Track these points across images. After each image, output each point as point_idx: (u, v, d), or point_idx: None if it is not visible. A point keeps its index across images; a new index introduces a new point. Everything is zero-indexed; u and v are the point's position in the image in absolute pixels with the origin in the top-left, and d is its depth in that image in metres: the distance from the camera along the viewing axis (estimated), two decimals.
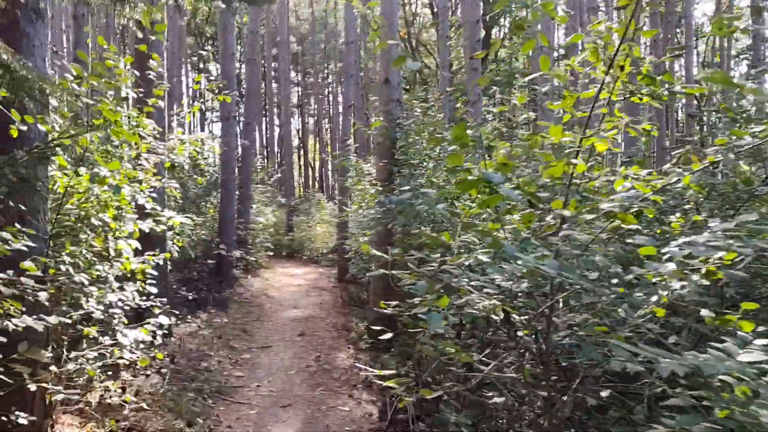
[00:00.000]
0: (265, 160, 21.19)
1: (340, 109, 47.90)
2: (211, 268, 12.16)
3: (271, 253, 17.29)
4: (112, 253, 5.42)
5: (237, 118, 12.38)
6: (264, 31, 33.87)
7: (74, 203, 4.98)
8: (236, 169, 13.35)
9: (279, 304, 12.39)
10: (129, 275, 5.62)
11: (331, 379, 7.45)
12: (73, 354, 4.83)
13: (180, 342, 8.15)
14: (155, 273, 5.70)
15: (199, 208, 12.56)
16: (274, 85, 39.19)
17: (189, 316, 9.48)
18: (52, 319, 3.84)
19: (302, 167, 45.32)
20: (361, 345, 8.82)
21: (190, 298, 9.42)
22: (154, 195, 6.51)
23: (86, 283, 4.57)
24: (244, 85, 15.60)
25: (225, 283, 12.34)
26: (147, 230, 6.32)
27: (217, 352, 8.18)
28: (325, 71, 43.45)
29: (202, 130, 31.81)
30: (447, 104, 12.67)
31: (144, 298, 5.69)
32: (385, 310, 3.87)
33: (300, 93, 45.96)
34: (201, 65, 40.18)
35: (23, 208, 4.28)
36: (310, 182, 41.89)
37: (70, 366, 4.64)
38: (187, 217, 7.69)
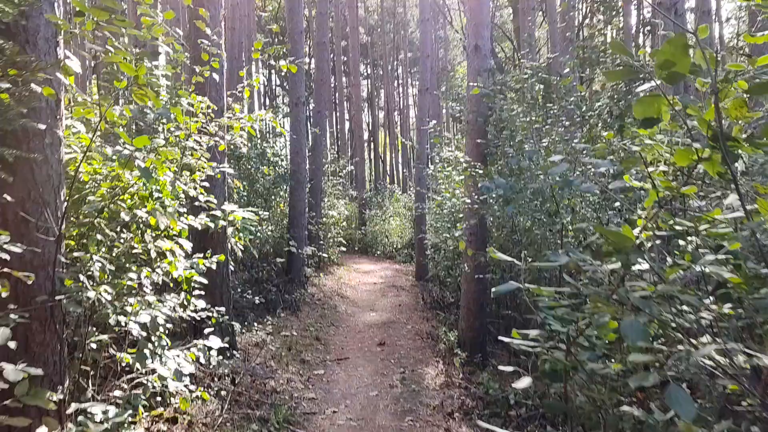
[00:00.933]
0: (336, 153, 20.06)
1: (410, 102, 46.66)
2: (280, 267, 11.07)
3: (344, 249, 16.14)
4: (153, 255, 4.25)
5: (306, 104, 11.17)
6: (332, 23, 32.92)
7: (103, 194, 3.83)
8: (306, 159, 12.21)
9: (354, 306, 11.15)
10: (174, 283, 4.46)
11: (421, 404, 6.08)
12: (97, 390, 3.68)
13: (244, 355, 6.99)
14: (204, 281, 4.50)
15: (267, 202, 11.50)
16: (343, 78, 38.30)
17: (255, 323, 8.36)
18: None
19: (372, 160, 44.26)
20: (452, 359, 7.42)
21: (257, 302, 8.29)
22: (205, 184, 5.34)
23: (108, 297, 3.40)
24: (313, 71, 14.44)
25: (296, 283, 11.22)
26: (199, 227, 5.17)
27: (287, 367, 6.97)
28: (395, 62, 42.16)
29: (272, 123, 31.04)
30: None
31: (194, 309, 4.52)
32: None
33: (369, 86, 44.85)
34: (272, 62, 39.78)
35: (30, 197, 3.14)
36: (381, 175, 40.69)
37: (96, 409, 3.47)
38: (251, 211, 6.51)
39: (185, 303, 4.20)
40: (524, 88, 5.86)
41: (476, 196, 6.94)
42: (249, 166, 10.36)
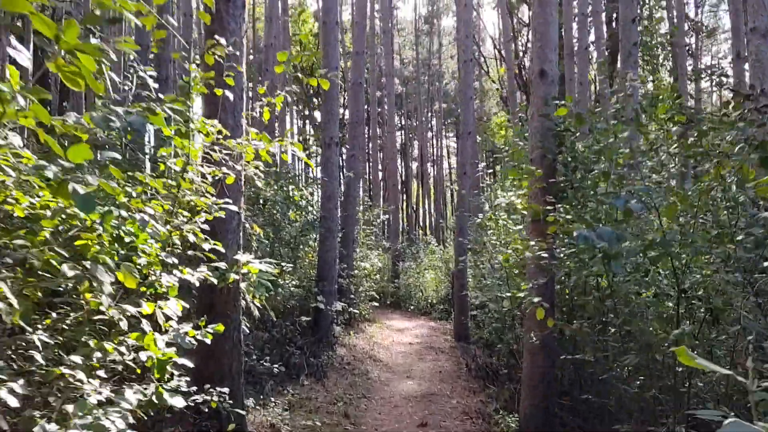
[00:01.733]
0: (370, 201, 18.96)
1: (444, 152, 45.73)
2: (306, 325, 9.70)
3: (376, 304, 14.71)
4: (123, 326, 2.95)
5: (339, 145, 10.01)
6: (368, 74, 32.45)
7: (32, 237, 2.58)
8: (338, 206, 10.99)
9: (388, 371, 9.65)
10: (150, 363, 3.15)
11: None
12: None
13: None
14: (190, 364, 3.17)
15: (294, 251, 10.26)
16: (377, 129, 37.65)
17: (274, 395, 6.95)
18: None
19: (405, 210, 43.08)
20: None
21: (275, 371, 6.89)
22: (207, 227, 4.08)
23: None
24: (347, 115, 13.40)
25: (323, 343, 9.81)
26: (197, 282, 3.89)
27: None
28: (429, 113, 41.48)
29: (307, 167, 30.13)
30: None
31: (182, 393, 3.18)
32: None
33: (403, 136, 44.13)
34: (306, 112, 39.49)
35: None
36: (414, 226, 39.38)
37: None
38: (270, 263, 5.23)
39: (155, 398, 2.84)
40: (622, 111, 4.53)
41: (544, 250, 5.53)
42: (275, 211, 9.17)
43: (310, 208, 10.48)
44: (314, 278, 10.32)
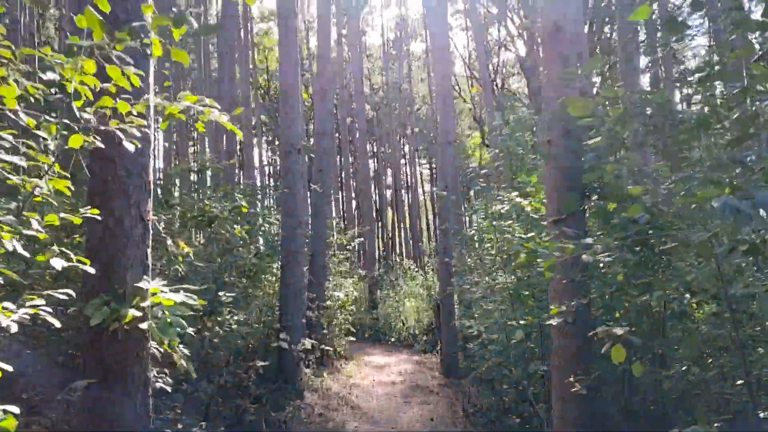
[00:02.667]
0: (344, 224, 17.13)
1: (419, 178, 44.33)
2: (268, 369, 7.86)
3: (353, 339, 12.85)
4: None
5: (301, 152, 8.29)
6: (336, 99, 31.07)
7: None
8: (303, 225, 9.26)
9: (370, 422, 7.78)
10: None
11: None
12: None
13: None
14: None
15: (253, 281, 8.46)
16: (350, 158, 36.17)
17: None
18: None
19: (381, 238, 41.37)
20: None
21: None
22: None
23: None
24: (314, 124, 11.73)
25: (289, 390, 7.95)
26: (14, 327, 2.12)
27: None
28: (402, 139, 40.18)
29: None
30: None
31: None
32: None
33: (376, 164, 42.68)
34: (273, 138, 37.87)
35: None
36: (390, 253, 37.63)
37: None
38: (189, 293, 3.51)
39: None
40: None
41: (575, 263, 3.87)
42: (223, 231, 7.40)
43: (267, 226, 8.71)
44: (277, 312, 8.48)
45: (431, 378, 10.90)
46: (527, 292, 5.87)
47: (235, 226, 6.87)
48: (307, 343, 8.95)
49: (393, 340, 16.37)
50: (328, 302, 11.27)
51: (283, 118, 8.39)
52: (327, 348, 10.55)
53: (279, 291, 8.35)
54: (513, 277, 6.55)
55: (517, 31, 26.10)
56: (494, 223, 6.34)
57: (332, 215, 13.26)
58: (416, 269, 17.65)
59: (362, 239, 17.70)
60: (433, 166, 47.01)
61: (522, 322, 5.78)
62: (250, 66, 27.02)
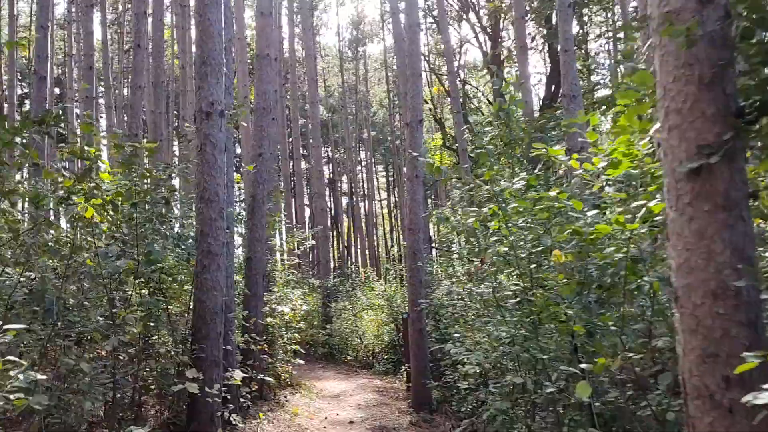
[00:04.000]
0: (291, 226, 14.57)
1: (375, 185, 42.05)
2: (173, 424, 5.34)
3: (302, 361, 10.33)
4: None
5: (224, 117, 5.81)
6: (289, 101, 28.57)
7: None
8: (225, 218, 6.82)
9: None
10: None
11: None
12: None
13: None
14: None
15: (163, 293, 5.92)
16: (302, 164, 33.66)
17: None
18: None
19: (337, 248, 38.82)
20: None
21: None
22: None
23: None
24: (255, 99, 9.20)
25: None
26: None
27: None
28: (358, 145, 37.84)
29: None
30: None
31: None
32: None
33: (331, 169, 40.19)
34: None
35: None
36: (346, 263, 35.14)
37: None
38: None
39: None
40: None
41: None
42: (136, 217, 4.88)
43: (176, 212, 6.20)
44: (190, 335, 5.93)
45: (398, 413, 8.51)
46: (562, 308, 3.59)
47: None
48: (237, 376, 6.45)
49: (350, 358, 13.93)
50: (269, 319, 8.77)
51: (197, 63, 5.91)
52: (266, 379, 8.04)
53: (192, 307, 5.83)
54: (522, 284, 4.29)
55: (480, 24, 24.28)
56: (502, 206, 4.05)
57: (280, 213, 10.72)
58: (375, 278, 15.29)
59: (314, 242, 15.19)
60: (390, 173, 44.98)
61: (541, 345, 3.48)
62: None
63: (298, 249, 12.35)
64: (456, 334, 7.85)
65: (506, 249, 4.31)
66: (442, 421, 8.05)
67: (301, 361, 10.19)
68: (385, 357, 13.01)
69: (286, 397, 9.02)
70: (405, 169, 12.78)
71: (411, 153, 8.84)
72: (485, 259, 4.70)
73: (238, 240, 9.41)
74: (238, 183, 8.31)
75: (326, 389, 10.29)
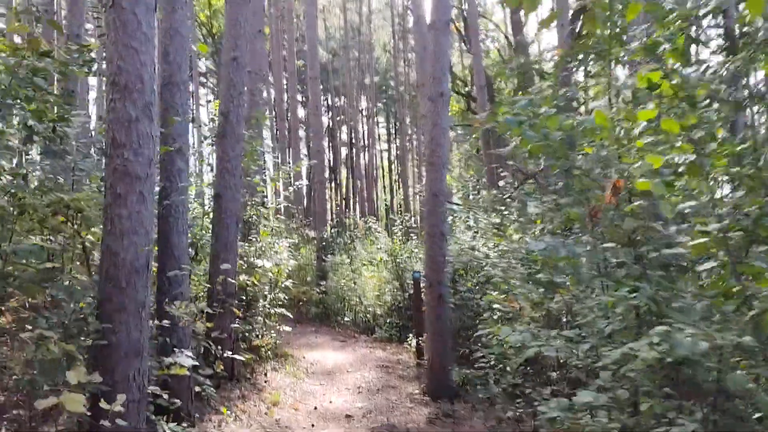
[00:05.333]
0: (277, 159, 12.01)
1: (376, 135, 39.40)
2: None
3: (289, 328, 8.17)
4: None
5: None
6: (286, 41, 25.63)
7: None
8: (154, 116, 4.55)
9: None
10: None
11: None
12: None
13: None
14: None
15: (67, 234, 3.72)
16: (299, 111, 31.09)
17: None
18: None
19: (335, 200, 36.58)
20: None
21: None
22: None
23: None
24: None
25: None
26: None
27: None
28: (359, 94, 34.98)
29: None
30: None
31: None
32: None
33: (331, 119, 37.51)
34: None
35: None
36: (345, 215, 32.89)
37: None
38: None
39: None
40: None
41: None
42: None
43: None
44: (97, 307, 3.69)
45: (410, 402, 6.38)
46: None
47: None
48: (183, 362, 4.25)
49: (347, 320, 11.83)
50: (243, 277, 6.52)
51: None
52: (236, 357, 5.86)
53: (100, 267, 3.57)
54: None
55: None
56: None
57: (261, 142, 8.26)
58: (378, 230, 13.06)
59: (307, 184, 12.84)
60: (391, 124, 42.24)
61: None
62: None
63: (289, 190, 10.00)
64: (495, 304, 5.71)
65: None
66: (468, 414, 5.96)
67: (288, 328, 8.02)
68: (388, 321, 10.90)
69: (266, 375, 6.88)
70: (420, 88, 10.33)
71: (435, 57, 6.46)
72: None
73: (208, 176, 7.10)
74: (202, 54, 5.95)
75: (318, 362, 8.17)
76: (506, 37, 19.42)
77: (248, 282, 6.29)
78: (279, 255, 7.79)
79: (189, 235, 5.92)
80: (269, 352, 7.50)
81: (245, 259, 6.94)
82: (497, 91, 20.52)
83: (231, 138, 6.33)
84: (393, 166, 41.33)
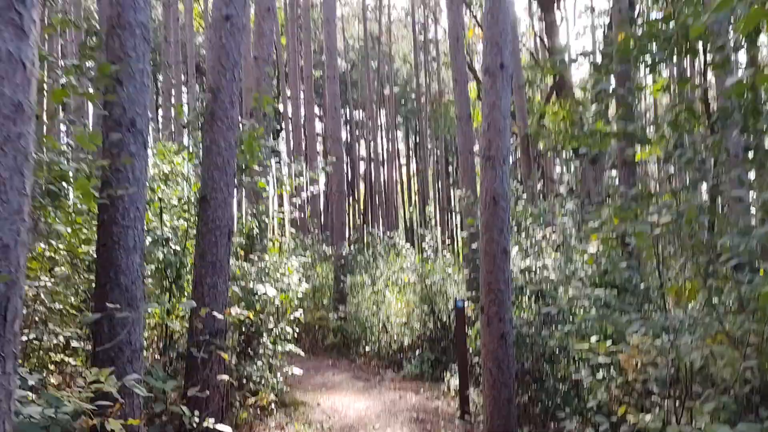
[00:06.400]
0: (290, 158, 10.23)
1: (399, 149, 37.79)
2: None
3: (299, 371, 6.38)
4: None
5: None
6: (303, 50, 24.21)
7: None
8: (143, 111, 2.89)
9: None
10: None
11: None
12: None
13: None
14: None
15: None
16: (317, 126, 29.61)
17: None
18: None
19: (353, 217, 34.97)
20: None
21: None
22: None
23: None
24: None
25: None
26: None
27: None
28: (378, 106, 33.43)
29: None
30: None
31: None
32: None
33: (349, 133, 35.99)
34: None
35: None
36: (362, 232, 31.16)
37: None
38: None
39: None
40: None
41: None
42: None
43: None
44: None
45: None
46: None
47: None
48: None
49: (368, 351, 10.03)
50: (233, 311, 4.76)
51: None
52: (216, 429, 4.10)
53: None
54: None
55: None
56: None
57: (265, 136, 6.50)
58: (405, 245, 11.25)
59: (324, 190, 11.11)
60: (410, 139, 40.60)
61: None
62: None
63: (301, 196, 8.27)
64: (590, 353, 3.93)
65: None
66: None
67: (299, 371, 6.25)
68: (418, 353, 9.09)
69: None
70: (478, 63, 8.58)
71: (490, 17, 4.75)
72: None
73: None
74: None
75: (336, 412, 6.37)
76: (540, 39, 17.75)
77: (242, 317, 4.55)
78: (288, 278, 6.05)
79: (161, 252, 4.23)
80: (272, 402, 5.73)
81: (241, 284, 5.21)
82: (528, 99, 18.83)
83: (222, 122, 4.65)
84: (412, 182, 39.68)
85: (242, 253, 6.47)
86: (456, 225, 33.82)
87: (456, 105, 10.28)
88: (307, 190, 8.26)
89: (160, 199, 4.94)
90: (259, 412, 5.42)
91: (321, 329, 10.71)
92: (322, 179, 16.00)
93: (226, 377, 4.30)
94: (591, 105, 9.48)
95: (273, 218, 7.14)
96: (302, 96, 24.02)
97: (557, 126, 9.91)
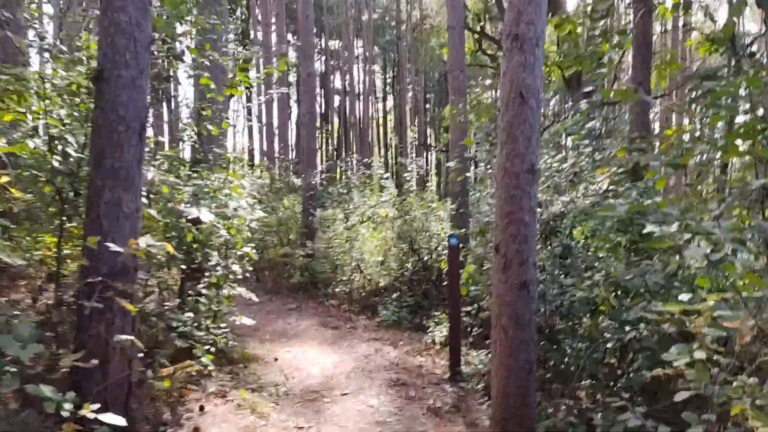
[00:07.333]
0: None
1: (374, 83, 35.62)
2: None
3: (251, 322, 5.05)
4: None
5: None
6: None
7: None
8: None
9: None
10: None
11: None
12: None
13: None
14: None
15: None
16: (292, 53, 27.18)
17: None
18: None
19: (325, 151, 33.27)
20: None
21: None
22: None
23: None
24: None
25: None
26: None
27: None
28: (354, 37, 30.99)
29: None
30: None
31: None
32: None
33: (323, 63, 33.58)
34: None
35: None
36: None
37: None
38: None
39: None
40: None
41: None
42: None
43: None
44: None
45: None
46: None
47: None
48: None
49: (338, 290, 8.73)
50: (141, 242, 3.27)
51: None
52: (110, 422, 2.72)
53: None
54: None
55: None
56: None
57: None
58: (384, 175, 9.74)
59: (285, 91, 9.48)
60: (388, 74, 38.30)
61: None
62: None
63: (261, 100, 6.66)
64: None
65: None
66: None
67: (250, 321, 4.90)
68: (394, 295, 7.85)
69: (202, 410, 3.80)
70: None
71: None
72: None
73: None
74: None
75: (297, 370, 5.09)
76: None
77: (156, 250, 3.08)
78: (235, 202, 4.57)
79: None
80: (224, 350, 4.40)
81: (165, 203, 3.72)
82: None
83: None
84: (389, 118, 37.87)
85: (183, 169, 4.95)
86: (432, 164, 32.43)
87: (448, 8, 8.62)
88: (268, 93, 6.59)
89: (41, 78, 3.35)
90: (194, 375, 4.07)
91: (286, 267, 9.36)
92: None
93: (128, 337, 2.88)
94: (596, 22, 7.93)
95: (230, 126, 5.53)
96: (273, 20, 21.62)
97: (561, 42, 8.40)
